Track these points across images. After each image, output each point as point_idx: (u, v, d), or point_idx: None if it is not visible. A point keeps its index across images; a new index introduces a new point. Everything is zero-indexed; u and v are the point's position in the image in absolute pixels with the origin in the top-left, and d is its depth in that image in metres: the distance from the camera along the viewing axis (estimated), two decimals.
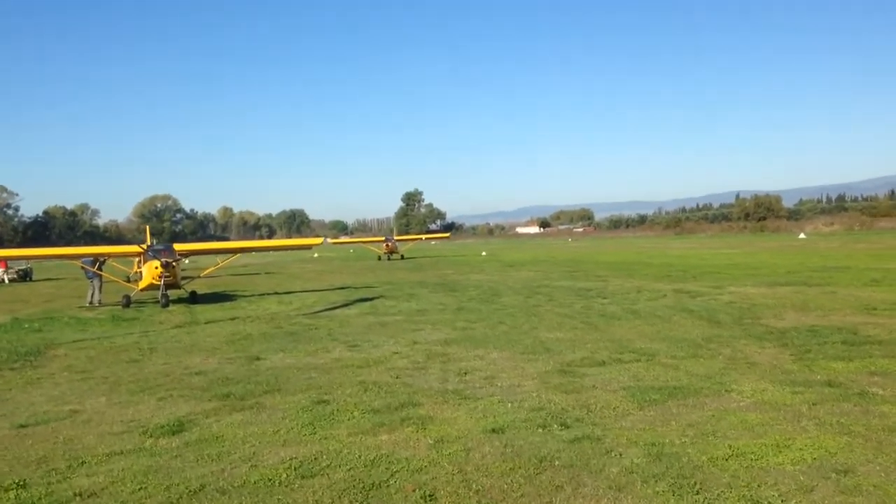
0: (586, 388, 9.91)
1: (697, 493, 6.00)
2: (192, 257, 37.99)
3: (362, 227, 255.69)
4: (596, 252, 66.93)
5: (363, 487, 6.40)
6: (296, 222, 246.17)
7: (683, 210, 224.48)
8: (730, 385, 9.69)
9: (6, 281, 43.30)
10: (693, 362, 11.43)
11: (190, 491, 6.43)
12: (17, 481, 6.78)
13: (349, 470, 6.86)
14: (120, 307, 24.32)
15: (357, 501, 6.13)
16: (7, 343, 16.11)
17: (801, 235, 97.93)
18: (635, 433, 7.68)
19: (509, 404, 9.12)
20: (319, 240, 43.09)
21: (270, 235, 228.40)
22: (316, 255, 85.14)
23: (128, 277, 32.80)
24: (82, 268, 28.03)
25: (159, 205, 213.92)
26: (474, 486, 6.36)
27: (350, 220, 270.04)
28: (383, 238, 71.19)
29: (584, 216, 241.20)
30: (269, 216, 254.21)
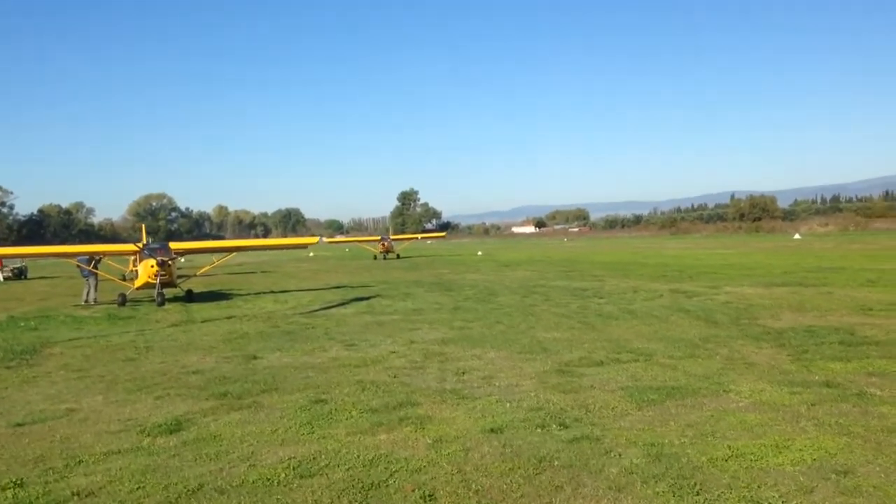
0: (584, 388, 9.90)
1: (698, 493, 5.99)
2: (188, 256, 37.91)
3: (358, 227, 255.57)
4: (591, 252, 66.95)
5: (362, 487, 6.38)
6: (291, 221, 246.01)
7: (679, 210, 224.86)
8: (728, 385, 9.69)
9: (1, 279, 43.20)
10: (691, 362, 11.43)
11: (188, 490, 6.41)
12: (14, 480, 6.74)
13: (348, 470, 6.84)
14: (116, 306, 24.26)
15: (356, 501, 6.11)
16: (3, 341, 16.05)
17: (796, 236, 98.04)
18: (634, 433, 7.67)
19: (508, 404, 9.11)
20: (315, 239, 42.96)
21: (266, 234, 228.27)
22: (311, 254, 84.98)
23: (123, 276, 32.70)
24: (78, 266, 27.97)
25: (154, 203, 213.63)
26: (474, 486, 6.35)
27: (346, 219, 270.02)
28: (379, 237, 71.10)
29: (580, 216, 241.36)
30: (265, 215, 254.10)
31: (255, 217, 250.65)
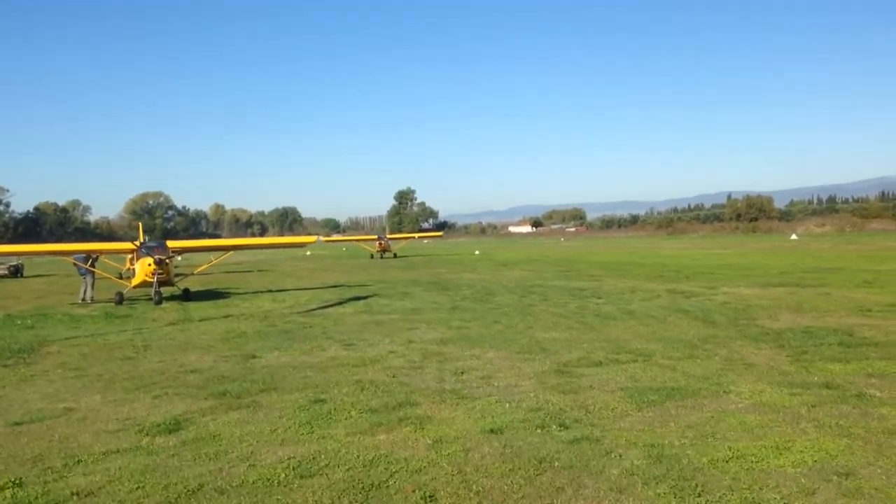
0: (584, 388, 9.89)
1: (699, 495, 5.98)
2: (185, 254, 37.85)
3: (354, 226, 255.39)
4: (588, 252, 66.98)
5: (363, 488, 6.36)
6: (288, 220, 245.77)
7: (675, 210, 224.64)
8: (727, 386, 9.69)
9: None
10: (690, 363, 11.43)
11: (188, 490, 6.38)
12: (13, 480, 6.72)
13: (348, 470, 6.82)
14: (112, 304, 24.19)
15: (357, 502, 6.09)
16: (0, 340, 16.00)
17: (793, 236, 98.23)
18: (634, 434, 7.66)
19: (507, 404, 9.09)
20: (313, 238, 43.00)
21: (262, 233, 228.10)
22: (308, 252, 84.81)
23: (120, 274, 32.62)
24: (75, 264, 27.88)
25: (151, 202, 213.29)
26: (474, 487, 6.33)
27: (342, 218, 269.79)
28: (376, 236, 71.05)
29: (576, 216, 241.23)
30: (262, 214, 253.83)
31: (251, 215, 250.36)
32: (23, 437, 8.24)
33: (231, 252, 34.55)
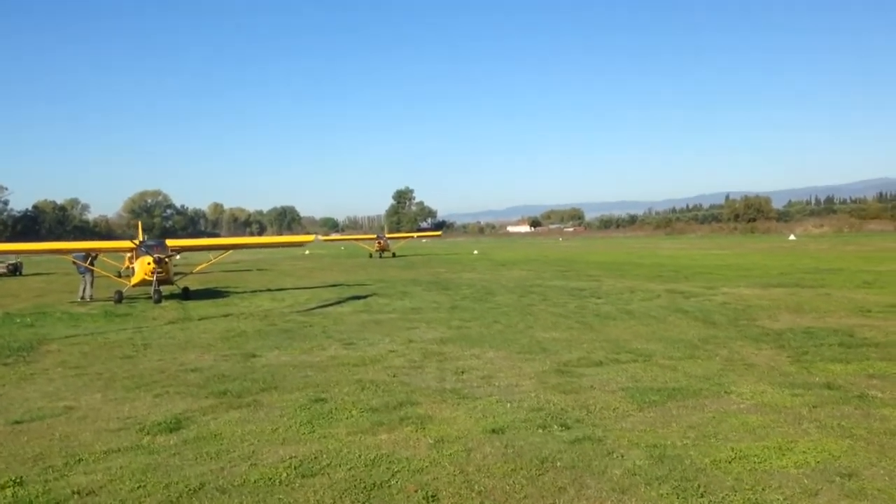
0: (584, 388, 9.88)
1: (702, 496, 5.97)
2: (184, 253, 37.85)
3: (353, 225, 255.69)
4: (587, 252, 67.00)
5: (364, 487, 6.35)
6: (286, 219, 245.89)
7: (673, 210, 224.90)
8: (729, 387, 9.68)
9: None
10: (690, 363, 11.42)
11: (189, 490, 6.37)
12: (13, 479, 6.70)
13: (350, 469, 6.81)
14: (112, 303, 24.16)
15: (359, 502, 6.08)
16: None
17: (791, 237, 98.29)
18: (636, 434, 7.65)
19: (508, 404, 9.08)
20: (312, 237, 42.94)
21: (261, 232, 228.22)
22: (307, 251, 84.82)
23: (118, 273, 32.60)
24: (74, 263, 27.85)
25: (150, 200, 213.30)
26: (476, 487, 6.32)
27: (341, 217, 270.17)
28: (375, 236, 71.06)
29: (575, 216, 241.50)
30: (260, 213, 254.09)
31: (250, 215, 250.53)
32: (23, 435, 8.22)
33: (230, 251, 34.57)
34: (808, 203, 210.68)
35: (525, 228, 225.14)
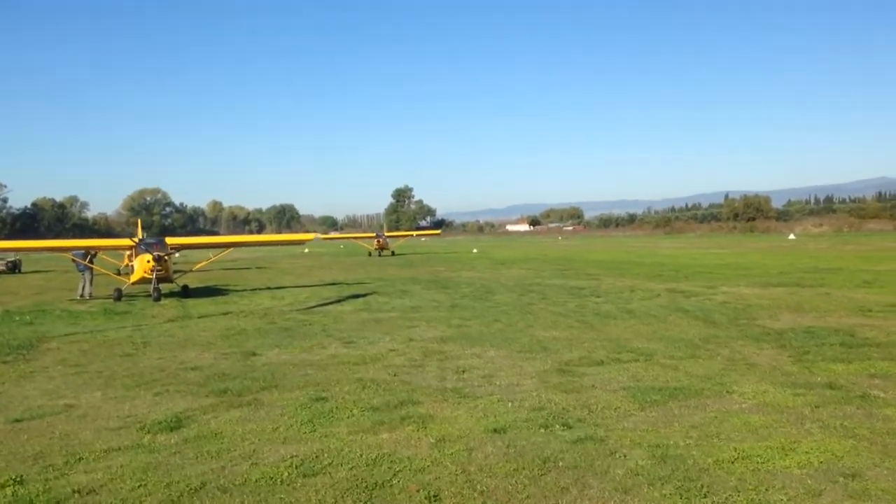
0: (586, 387, 9.86)
1: (705, 496, 5.94)
2: (182, 251, 37.81)
3: (352, 223, 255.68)
4: (586, 251, 66.97)
5: (366, 487, 6.32)
6: (286, 217, 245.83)
7: (672, 210, 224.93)
8: (730, 386, 9.66)
9: None
10: (692, 363, 11.39)
11: (191, 489, 6.34)
12: (13, 477, 6.67)
13: (351, 469, 6.78)
14: (111, 300, 24.14)
15: (361, 501, 6.05)
16: None
17: (791, 236, 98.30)
18: (638, 434, 7.63)
19: (509, 403, 9.06)
20: (311, 235, 42.96)
21: (260, 230, 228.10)
22: (306, 250, 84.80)
23: (118, 270, 32.58)
24: (73, 260, 27.83)
25: (149, 198, 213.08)
26: (479, 486, 6.29)
27: (340, 215, 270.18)
28: (374, 234, 71.07)
29: (574, 215, 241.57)
30: (259, 211, 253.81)
31: (249, 213, 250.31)
32: (23, 433, 8.20)
33: (230, 249, 34.54)
34: (808, 202, 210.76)
35: (524, 227, 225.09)
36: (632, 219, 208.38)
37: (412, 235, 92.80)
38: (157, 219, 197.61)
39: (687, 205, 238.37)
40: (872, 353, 11.78)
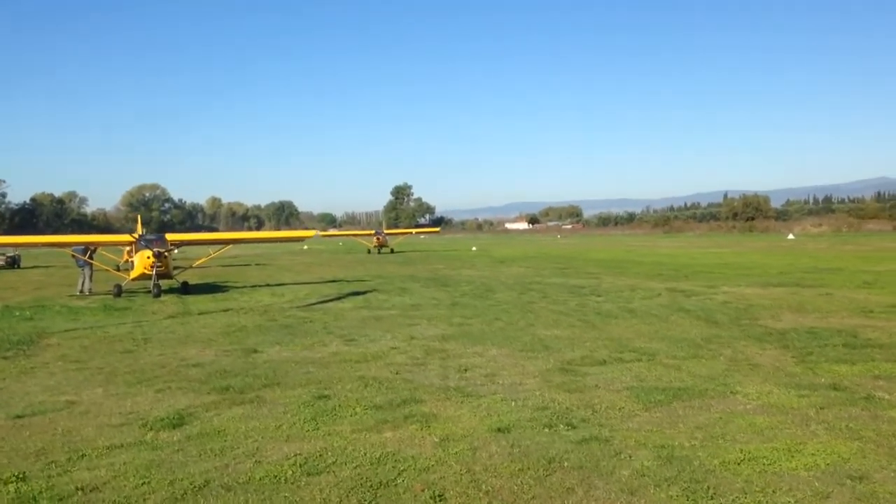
0: (589, 387, 9.83)
1: (712, 497, 5.91)
2: (181, 247, 37.80)
3: (351, 220, 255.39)
4: (586, 249, 66.97)
5: (371, 486, 6.29)
6: (284, 214, 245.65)
7: (672, 209, 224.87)
8: (734, 387, 9.62)
9: None
10: (695, 363, 11.36)
11: (194, 487, 6.31)
12: (16, 474, 6.63)
13: (355, 468, 6.75)
14: (111, 296, 24.11)
15: (366, 500, 6.02)
16: None
17: (790, 236, 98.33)
18: (643, 435, 7.60)
19: (513, 403, 9.03)
20: (312, 232, 42.99)
21: (259, 226, 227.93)
22: (305, 247, 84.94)
23: (117, 266, 32.55)
24: (73, 256, 27.80)
25: (147, 194, 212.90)
26: (484, 486, 6.26)
27: (339, 212, 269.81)
28: (373, 231, 71.11)
29: (573, 213, 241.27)
30: (258, 207, 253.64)
31: (248, 209, 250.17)
32: (25, 430, 8.17)
33: (229, 246, 34.52)
34: (807, 202, 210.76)
35: (523, 225, 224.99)
36: (631, 217, 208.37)
37: (411, 233, 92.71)
38: (155, 215, 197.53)
39: (686, 204, 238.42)
40: (876, 355, 11.75)
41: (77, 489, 6.28)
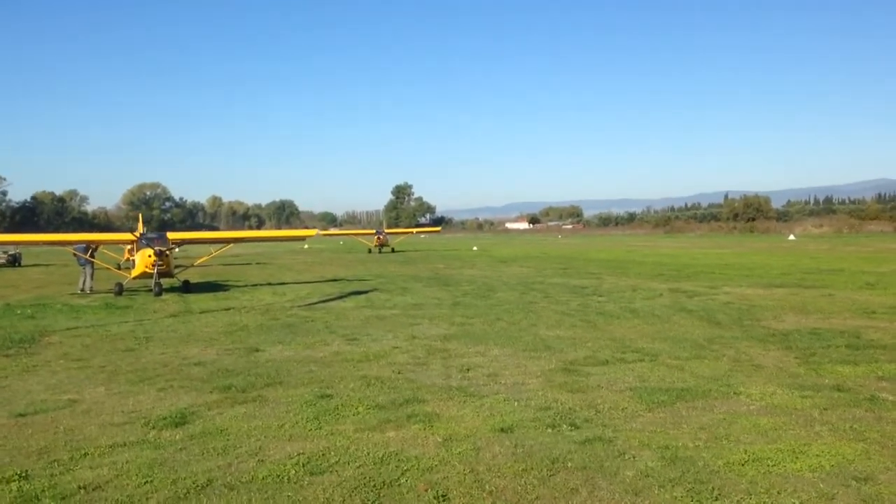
0: (592, 387, 9.81)
1: (716, 499, 5.89)
2: (182, 246, 37.81)
3: (352, 220, 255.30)
4: (587, 249, 66.92)
5: (374, 486, 6.27)
6: (285, 213, 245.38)
7: (672, 209, 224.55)
8: (737, 387, 9.60)
9: None
10: (697, 363, 11.34)
11: (197, 486, 6.29)
12: (18, 472, 6.61)
13: (359, 467, 6.73)
14: (112, 295, 24.09)
15: (369, 500, 6.00)
16: (0, 329, 15.89)
17: (791, 237, 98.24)
18: (647, 435, 7.57)
19: (515, 403, 9.01)
20: (313, 231, 42.95)
21: (259, 225, 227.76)
22: (306, 245, 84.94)
23: (118, 265, 32.55)
24: (74, 254, 27.78)
25: (148, 193, 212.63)
26: (487, 486, 6.24)
27: (339, 212, 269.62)
28: (374, 231, 71.09)
29: (574, 213, 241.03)
30: (259, 206, 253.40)
31: (248, 208, 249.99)
32: (27, 428, 8.15)
33: (230, 244, 34.51)
34: (807, 203, 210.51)
35: (524, 225, 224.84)
36: (631, 218, 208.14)
37: (412, 232, 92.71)
38: (156, 213, 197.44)
39: (686, 204, 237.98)
40: (879, 356, 11.73)
41: (79, 488, 6.26)
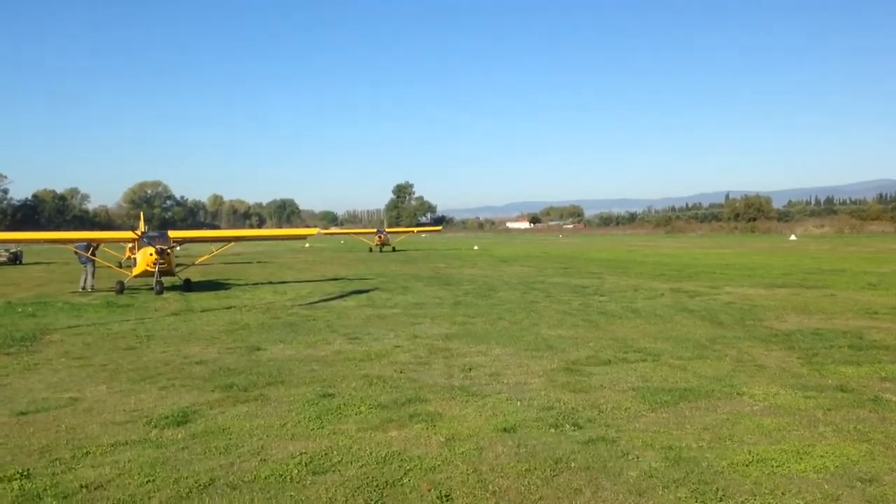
0: (594, 387, 9.79)
1: (721, 500, 5.87)
2: (183, 244, 37.81)
3: (353, 219, 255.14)
4: (588, 249, 66.87)
5: (377, 485, 6.25)
6: (286, 212, 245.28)
7: (673, 209, 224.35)
8: (741, 388, 9.58)
9: None
10: (700, 363, 11.32)
11: (199, 485, 6.27)
12: (20, 471, 6.60)
13: (361, 467, 6.71)
14: (113, 293, 24.08)
15: (372, 500, 5.98)
16: (1, 327, 15.88)
17: (792, 237, 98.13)
18: (650, 435, 7.55)
19: (518, 402, 8.98)
20: (314, 230, 42.92)
21: (260, 224, 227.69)
22: (307, 244, 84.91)
23: (119, 263, 32.53)
24: (76, 252, 27.77)
25: (149, 191, 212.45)
26: (490, 486, 6.22)
27: (340, 211, 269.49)
28: (375, 230, 71.06)
29: (574, 213, 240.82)
30: (260, 205, 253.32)
31: (249, 207, 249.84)
32: (29, 427, 8.13)
33: (231, 243, 34.49)
34: (809, 203, 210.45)
35: (524, 225, 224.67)
36: (632, 218, 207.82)
37: (413, 232, 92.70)
38: (157, 212, 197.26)
39: (687, 204, 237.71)
40: (882, 356, 11.70)
41: (81, 487, 6.24)
